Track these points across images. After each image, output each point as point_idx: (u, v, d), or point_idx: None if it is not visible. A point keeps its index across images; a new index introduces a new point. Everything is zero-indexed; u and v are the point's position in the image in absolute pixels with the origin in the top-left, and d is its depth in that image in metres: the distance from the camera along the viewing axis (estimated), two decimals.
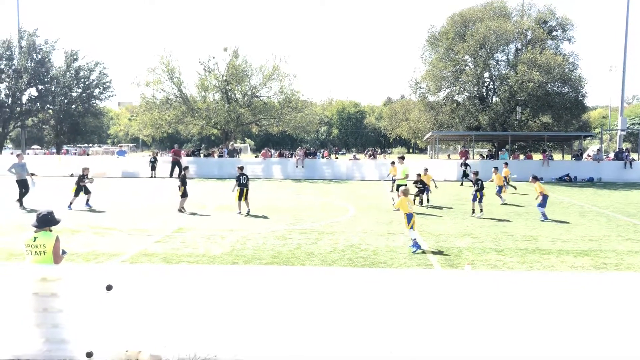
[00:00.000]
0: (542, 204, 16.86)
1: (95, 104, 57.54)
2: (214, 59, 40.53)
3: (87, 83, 55.20)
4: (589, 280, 6.14)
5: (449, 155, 40.94)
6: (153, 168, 33.99)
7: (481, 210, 17.65)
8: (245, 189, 17.50)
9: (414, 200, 19.26)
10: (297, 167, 34.99)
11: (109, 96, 57.91)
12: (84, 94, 55.27)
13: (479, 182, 17.93)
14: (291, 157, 38.66)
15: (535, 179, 17.49)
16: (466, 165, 31.11)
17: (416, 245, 12.19)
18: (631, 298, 5.70)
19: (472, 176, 19.14)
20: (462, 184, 29.95)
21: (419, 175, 20.34)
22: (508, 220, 16.67)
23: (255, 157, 46.43)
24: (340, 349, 5.91)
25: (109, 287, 5.53)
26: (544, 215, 16.78)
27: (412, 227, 12.32)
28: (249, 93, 41.64)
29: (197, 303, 5.83)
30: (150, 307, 5.76)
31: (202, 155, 39.96)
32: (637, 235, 14.21)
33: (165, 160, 36.00)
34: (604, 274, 8.82)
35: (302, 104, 42.86)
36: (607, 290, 5.83)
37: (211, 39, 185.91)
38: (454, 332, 5.86)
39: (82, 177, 18.94)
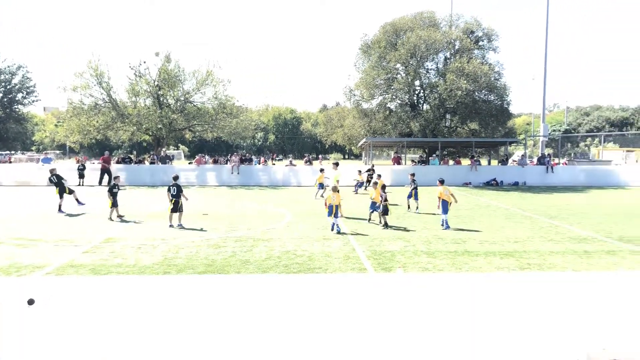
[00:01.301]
0: (444, 211, 16.50)
1: (18, 109, 54.90)
2: (145, 64, 39.60)
3: (8, 87, 52.59)
4: (514, 280, 6.42)
5: (365, 162, 41.46)
6: (81, 176, 32.67)
7: (417, 207, 20.19)
8: (175, 199, 16.55)
9: (384, 223, 16.83)
10: (232, 173, 34.64)
11: (33, 101, 55.53)
12: (5, 99, 52.62)
13: (415, 182, 20.80)
14: (226, 163, 38.23)
15: (441, 182, 17.19)
16: (363, 171, 30.60)
17: (336, 227, 15.56)
18: (553, 296, 6.02)
19: (409, 177, 21.20)
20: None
21: (383, 187, 18.15)
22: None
23: (189, 163, 45.60)
24: (272, 356, 5.90)
25: (30, 302, 5.28)
26: (446, 223, 16.33)
27: (336, 215, 15.65)
28: (182, 98, 40.89)
29: (126, 315, 5.66)
30: (75, 321, 5.54)
31: (132, 162, 38.80)
32: (557, 237, 14.99)
33: (94, 167, 34.74)
34: (527, 273, 9.25)
35: (237, 109, 42.53)
36: (530, 289, 6.12)
37: (142, 43, 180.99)
38: (386, 335, 5.97)
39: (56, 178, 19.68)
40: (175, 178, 17.15)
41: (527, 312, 6.07)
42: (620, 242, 14.10)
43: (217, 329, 5.87)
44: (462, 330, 6.05)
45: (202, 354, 5.81)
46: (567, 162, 47.56)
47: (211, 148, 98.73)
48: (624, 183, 35.65)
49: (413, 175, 21.13)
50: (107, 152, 36.92)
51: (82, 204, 19.29)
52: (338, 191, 16.20)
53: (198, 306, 5.87)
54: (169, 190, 16.77)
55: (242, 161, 36.93)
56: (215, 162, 41.03)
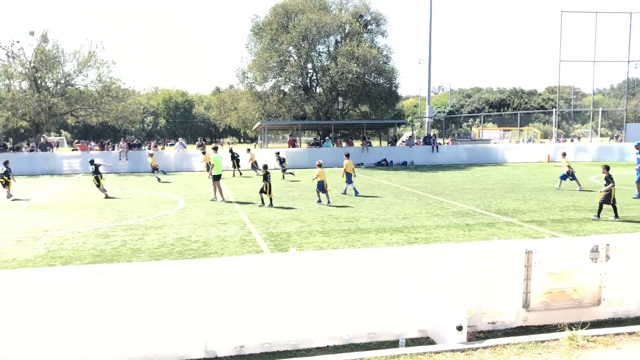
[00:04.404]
0: (349, 181, 19.94)
1: None
2: (19, 44, 36.55)
3: None
4: (402, 253, 6.77)
5: (261, 145, 41.22)
6: None
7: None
8: (96, 176, 19.80)
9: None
10: (120, 159, 33.12)
11: None
12: None
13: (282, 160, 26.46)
14: (113, 149, 36.43)
15: (347, 156, 20.16)
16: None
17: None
18: (437, 266, 6.42)
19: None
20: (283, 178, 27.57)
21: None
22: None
23: (73, 150, 42.93)
24: (168, 341, 5.82)
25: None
26: (354, 190, 19.91)
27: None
28: (62, 81, 38.33)
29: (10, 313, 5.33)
30: None
31: (9, 149, 35.83)
32: (442, 212, 15.93)
33: None
34: (414, 247, 9.77)
35: (124, 92, 40.68)
36: (417, 260, 6.49)
37: (15, 22, 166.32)
38: (283, 310, 6.08)
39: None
40: (91, 161, 20.54)
41: (414, 280, 6.43)
42: (498, 215, 15.27)
43: (109, 317, 5.67)
44: (355, 301, 6.30)
45: (100, 339, 5.60)
46: (450, 141, 50.41)
47: (97, 134, 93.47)
48: (502, 160, 38.53)
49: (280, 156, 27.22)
50: None
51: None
52: (320, 165, 17.87)
53: (85, 296, 5.63)
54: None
55: (130, 147, 35.42)
56: (102, 147, 38.95)
